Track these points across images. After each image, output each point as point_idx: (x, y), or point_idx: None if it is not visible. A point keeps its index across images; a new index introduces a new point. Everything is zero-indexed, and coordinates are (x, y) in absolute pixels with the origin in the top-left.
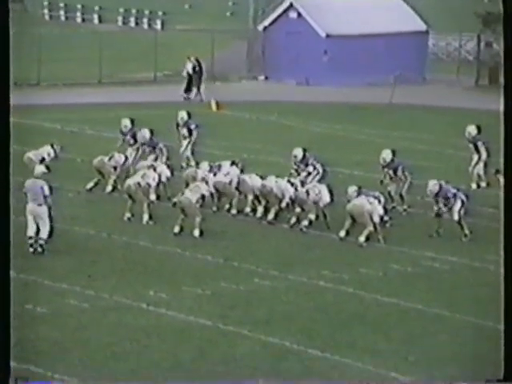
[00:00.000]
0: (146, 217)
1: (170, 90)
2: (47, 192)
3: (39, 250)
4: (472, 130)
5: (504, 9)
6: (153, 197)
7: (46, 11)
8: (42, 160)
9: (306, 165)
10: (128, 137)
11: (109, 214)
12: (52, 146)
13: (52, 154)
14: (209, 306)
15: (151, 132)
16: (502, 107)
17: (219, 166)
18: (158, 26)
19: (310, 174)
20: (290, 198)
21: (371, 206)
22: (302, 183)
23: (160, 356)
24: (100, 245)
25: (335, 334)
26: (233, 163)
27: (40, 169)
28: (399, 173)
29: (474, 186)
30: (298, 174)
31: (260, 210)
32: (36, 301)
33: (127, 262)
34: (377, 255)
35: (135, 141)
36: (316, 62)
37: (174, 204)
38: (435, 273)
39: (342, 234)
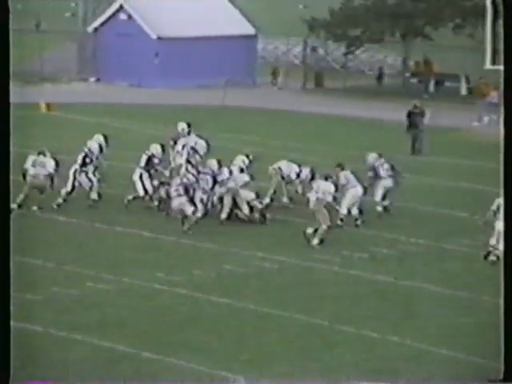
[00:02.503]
0: None
1: None
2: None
3: None
4: (372, 157)
5: (504, 4)
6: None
7: None
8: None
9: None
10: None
11: None
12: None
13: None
14: (40, 311)
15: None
16: (327, 110)
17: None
18: None
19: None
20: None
21: None
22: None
23: None
24: None
25: (169, 336)
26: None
27: None
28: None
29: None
30: None
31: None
32: None
33: None
34: (210, 256)
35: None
36: (147, 64)
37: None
38: (266, 272)
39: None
